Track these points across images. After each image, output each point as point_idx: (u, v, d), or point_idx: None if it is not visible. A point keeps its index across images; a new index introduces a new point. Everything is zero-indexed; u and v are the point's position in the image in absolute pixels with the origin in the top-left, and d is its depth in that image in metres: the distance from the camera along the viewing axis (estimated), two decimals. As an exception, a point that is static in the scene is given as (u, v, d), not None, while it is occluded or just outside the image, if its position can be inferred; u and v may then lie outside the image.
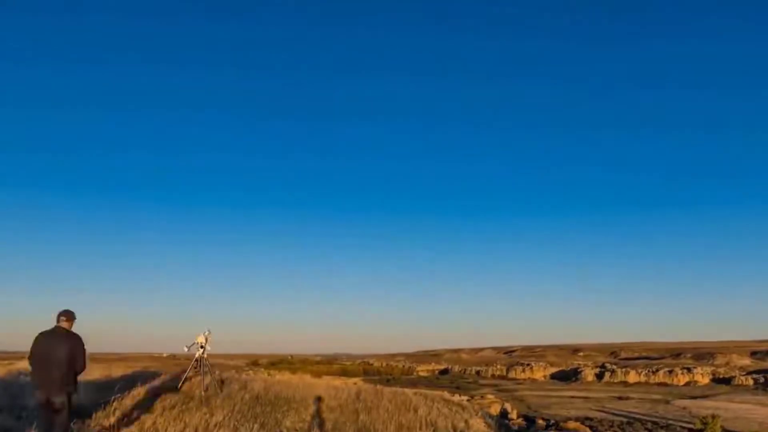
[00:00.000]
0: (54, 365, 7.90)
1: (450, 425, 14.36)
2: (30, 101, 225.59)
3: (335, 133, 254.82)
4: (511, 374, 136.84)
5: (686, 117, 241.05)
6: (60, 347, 7.96)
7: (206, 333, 13.61)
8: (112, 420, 10.10)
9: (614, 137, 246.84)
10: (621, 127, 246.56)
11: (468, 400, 31.45)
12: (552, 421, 47.50)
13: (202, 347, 13.44)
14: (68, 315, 8.27)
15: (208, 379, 13.60)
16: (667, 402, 76.00)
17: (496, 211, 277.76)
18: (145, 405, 11.62)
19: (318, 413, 12.64)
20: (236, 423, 10.64)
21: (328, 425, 11.58)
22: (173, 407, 11.47)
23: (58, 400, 7.96)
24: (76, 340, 8.16)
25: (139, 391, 12.82)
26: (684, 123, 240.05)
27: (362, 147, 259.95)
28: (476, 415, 18.43)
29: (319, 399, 13.83)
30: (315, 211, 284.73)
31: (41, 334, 8.13)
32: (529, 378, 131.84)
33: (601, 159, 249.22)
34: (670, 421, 53.93)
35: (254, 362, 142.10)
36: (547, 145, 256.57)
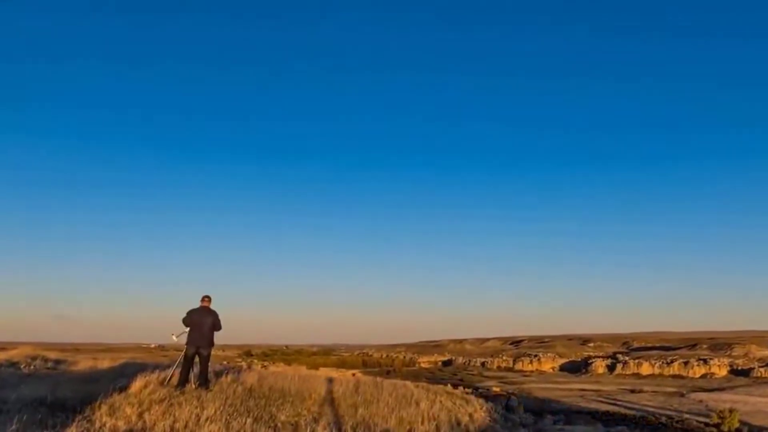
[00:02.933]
0: (204, 329, 13.09)
1: (453, 419, 14.45)
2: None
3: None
4: (518, 366, 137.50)
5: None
6: (207, 318, 13.19)
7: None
8: (99, 415, 10.16)
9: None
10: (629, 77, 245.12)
11: (472, 393, 31.63)
12: (561, 416, 47.75)
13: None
14: (209, 298, 13.45)
15: (198, 371, 13.65)
16: (682, 395, 76.38)
17: (500, 194, 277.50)
18: (133, 399, 11.68)
19: (314, 407, 12.70)
20: (228, 417, 10.69)
21: (325, 420, 11.65)
22: (162, 401, 11.52)
23: (206, 351, 13.23)
24: (215, 314, 13.36)
25: (126, 384, 12.89)
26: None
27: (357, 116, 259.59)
28: (480, 409, 18.54)
29: (315, 392, 13.91)
30: (310, 191, 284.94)
31: (193, 310, 13.14)
32: (536, 370, 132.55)
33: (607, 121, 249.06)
34: (686, 415, 54.19)
35: (247, 353, 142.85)
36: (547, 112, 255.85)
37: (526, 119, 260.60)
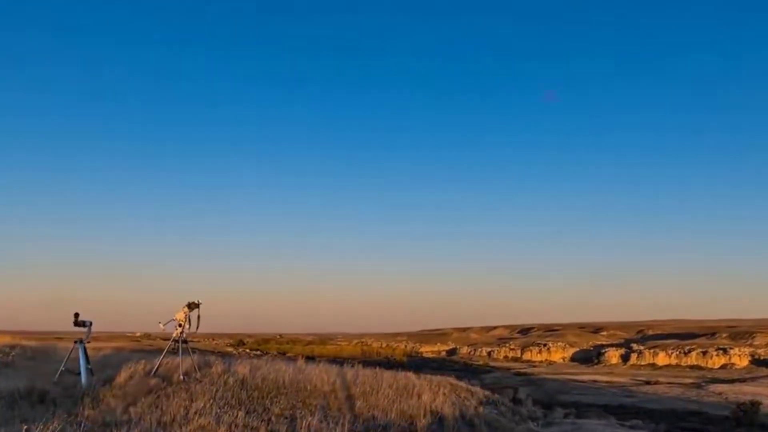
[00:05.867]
0: None
1: (458, 412, 14.52)
2: None
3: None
4: (526, 356, 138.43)
5: None
6: None
7: (197, 302, 13.46)
8: (82, 408, 10.20)
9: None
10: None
11: (477, 385, 31.79)
12: (571, 408, 47.92)
13: (180, 325, 13.43)
14: None
15: (187, 362, 13.68)
16: (701, 387, 76.85)
17: (509, 172, 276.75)
18: (118, 391, 11.73)
19: (310, 399, 12.76)
20: (219, 410, 10.74)
21: (322, 412, 11.70)
22: (149, 393, 11.58)
23: None
24: None
25: (111, 375, 12.94)
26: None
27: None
28: (487, 401, 18.65)
29: (311, 383, 13.96)
30: (305, 167, 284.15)
31: None
32: (546, 360, 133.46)
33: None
34: (705, 408, 54.47)
35: (239, 342, 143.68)
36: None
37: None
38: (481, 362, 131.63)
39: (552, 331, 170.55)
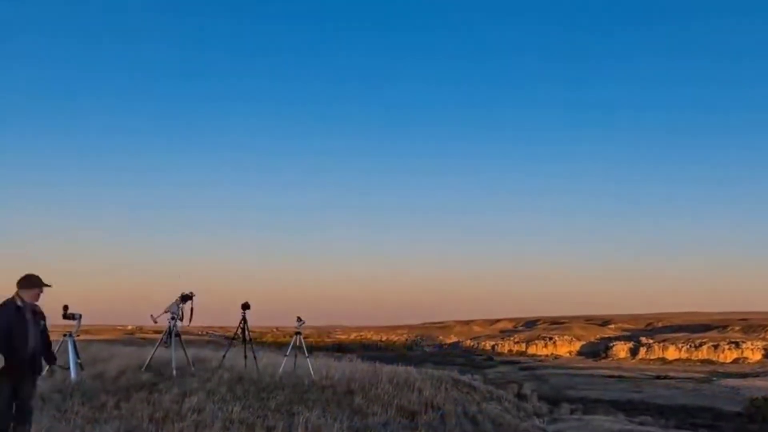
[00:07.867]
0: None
1: (460, 409, 14.58)
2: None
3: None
4: (531, 349, 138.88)
5: None
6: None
7: (190, 293, 13.48)
8: (71, 404, 10.23)
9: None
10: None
11: (481, 380, 31.91)
12: (578, 404, 48.05)
13: (173, 318, 13.45)
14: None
15: (181, 356, 13.70)
16: (712, 381, 77.05)
17: (513, 162, 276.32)
18: (109, 386, 11.77)
19: (307, 393, 12.81)
20: (214, 406, 10.77)
21: (319, 407, 11.74)
22: (140, 388, 11.61)
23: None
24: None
25: (101, 370, 12.97)
26: None
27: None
28: (490, 397, 18.71)
29: (309, 377, 14.00)
30: (303, 156, 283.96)
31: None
32: (552, 354, 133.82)
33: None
34: (716, 404, 54.58)
35: (235, 335, 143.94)
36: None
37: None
38: (484, 356, 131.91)
39: (558, 324, 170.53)
